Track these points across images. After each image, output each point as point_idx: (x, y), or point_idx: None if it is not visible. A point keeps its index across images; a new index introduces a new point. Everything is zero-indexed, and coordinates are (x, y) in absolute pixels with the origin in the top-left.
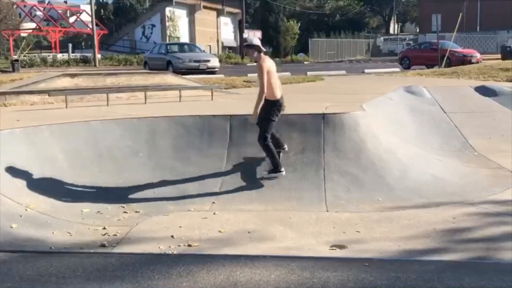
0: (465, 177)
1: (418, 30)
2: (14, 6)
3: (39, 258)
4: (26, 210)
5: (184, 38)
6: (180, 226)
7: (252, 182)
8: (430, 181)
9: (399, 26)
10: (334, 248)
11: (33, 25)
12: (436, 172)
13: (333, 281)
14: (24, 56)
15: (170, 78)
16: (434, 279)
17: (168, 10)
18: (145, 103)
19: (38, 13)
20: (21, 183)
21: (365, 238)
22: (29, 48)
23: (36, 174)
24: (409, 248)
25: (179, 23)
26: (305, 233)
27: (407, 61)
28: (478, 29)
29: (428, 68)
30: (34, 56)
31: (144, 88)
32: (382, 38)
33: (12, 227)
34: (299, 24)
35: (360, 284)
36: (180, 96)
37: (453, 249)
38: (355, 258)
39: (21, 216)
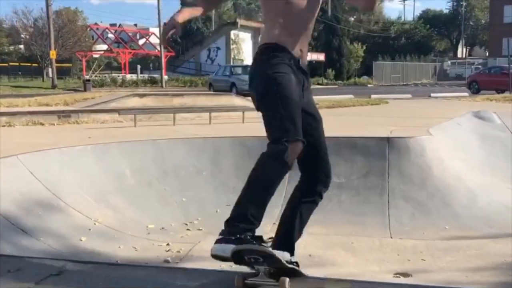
0: None
1: (487, 54)
2: (88, 29)
3: (110, 270)
4: (95, 224)
5: (248, 61)
6: None
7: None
8: (501, 210)
9: (467, 49)
10: (398, 276)
11: (104, 47)
12: (507, 202)
13: None
14: (96, 76)
15: (234, 100)
16: None
17: (233, 33)
18: (210, 123)
19: (110, 35)
20: (91, 198)
21: (431, 267)
22: (100, 68)
23: (105, 190)
24: (477, 279)
25: (243, 45)
26: (367, 260)
27: (476, 85)
28: None
29: (498, 93)
30: (105, 76)
31: (209, 109)
32: (449, 61)
33: (81, 240)
34: (363, 48)
35: None
36: (243, 117)
37: None
38: (423, 285)
39: (89, 229)
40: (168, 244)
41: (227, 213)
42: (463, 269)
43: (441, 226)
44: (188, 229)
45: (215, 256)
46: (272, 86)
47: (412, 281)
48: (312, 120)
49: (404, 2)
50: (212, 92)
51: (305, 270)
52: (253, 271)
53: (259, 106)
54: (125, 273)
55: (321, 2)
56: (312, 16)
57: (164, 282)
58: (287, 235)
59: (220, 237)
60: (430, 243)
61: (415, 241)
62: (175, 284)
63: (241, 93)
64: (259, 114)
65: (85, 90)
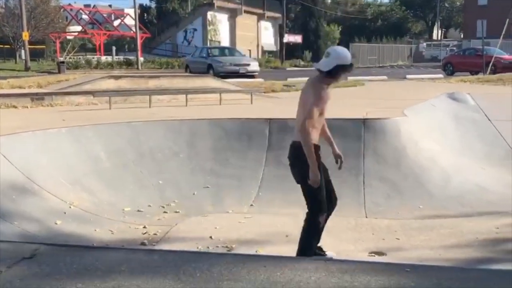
0: (509, 187)
1: (462, 36)
2: (61, 10)
3: (84, 252)
4: (70, 207)
5: (225, 42)
6: (218, 228)
7: (289, 185)
8: (473, 190)
9: (443, 31)
10: (373, 254)
11: (79, 28)
12: (480, 181)
13: (374, 285)
14: (70, 58)
15: (210, 82)
16: None
17: (209, 14)
18: (186, 105)
19: (84, 16)
20: (66, 181)
21: (405, 246)
22: (74, 50)
23: (80, 173)
24: (450, 257)
25: (220, 27)
26: (343, 239)
27: (451, 67)
28: None
29: (472, 74)
30: (79, 58)
31: (185, 91)
32: (425, 43)
33: (56, 224)
34: (339, 29)
35: None
36: (220, 100)
37: (496, 259)
38: (396, 263)
39: (65, 213)
40: (144, 227)
41: (204, 195)
42: (437, 247)
43: (415, 206)
44: (165, 212)
45: None
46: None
47: (386, 260)
48: (327, 176)
49: None
50: (188, 74)
51: (282, 249)
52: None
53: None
54: (99, 255)
55: None
56: None
57: (139, 263)
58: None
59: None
60: (404, 223)
61: (390, 221)
62: (150, 266)
63: (218, 75)
64: (237, 96)
65: (59, 72)
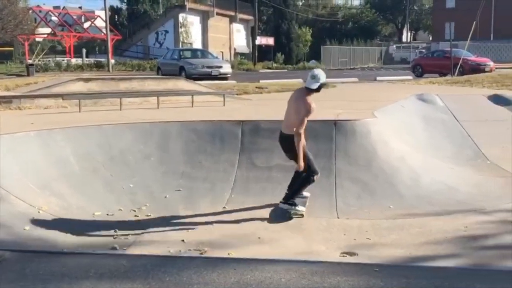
0: (477, 186)
1: (431, 38)
2: (30, 11)
3: (52, 258)
4: (39, 212)
5: (197, 44)
6: (191, 231)
7: (263, 187)
8: (442, 189)
9: (412, 34)
10: (344, 255)
11: (48, 30)
12: (448, 181)
13: (343, 286)
14: (39, 60)
15: (182, 84)
16: (445, 286)
17: (181, 16)
18: (158, 108)
19: (53, 18)
20: (34, 186)
21: (376, 245)
22: (43, 53)
23: (49, 177)
24: (420, 255)
25: (192, 29)
26: (315, 240)
27: (420, 69)
28: (491, 38)
29: (440, 76)
30: (49, 60)
31: (157, 93)
32: (394, 46)
33: (25, 229)
34: (311, 31)
35: None
36: (192, 102)
37: (465, 257)
38: (365, 263)
39: (33, 218)
40: (115, 231)
41: (176, 198)
42: (407, 246)
43: (385, 206)
44: (136, 216)
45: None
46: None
47: (357, 259)
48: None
49: None
50: (160, 76)
51: (254, 251)
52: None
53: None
54: (67, 261)
55: None
56: None
57: (107, 268)
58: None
59: (282, 202)
60: (375, 222)
61: (361, 221)
62: (119, 271)
63: (190, 77)
64: (209, 98)
65: (28, 75)
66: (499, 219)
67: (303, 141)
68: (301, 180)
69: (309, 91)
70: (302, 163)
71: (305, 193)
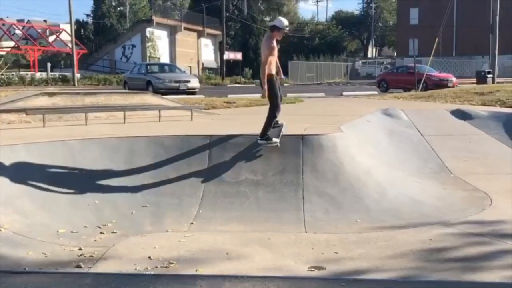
0: (442, 199)
1: (395, 54)
2: None
3: (14, 278)
4: (1, 230)
5: (165, 59)
6: (158, 247)
7: (231, 202)
8: (408, 202)
9: (377, 49)
10: (312, 269)
11: (11, 43)
12: (414, 194)
13: None
14: (2, 74)
15: (149, 98)
16: None
17: (148, 31)
18: (124, 123)
19: (17, 31)
20: None
21: (343, 259)
22: (7, 66)
23: (11, 194)
24: (387, 268)
25: (159, 43)
26: (283, 254)
27: (385, 84)
28: (454, 54)
29: (405, 91)
30: (12, 74)
31: (123, 108)
32: (360, 61)
33: None
34: (278, 47)
35: None
36: (159, 116)
37: (430, 270)
38: (332, 278)
39: None
40: (80, 249)
41: (142, 214)
42: (374, 259)
43: (352, 220)
44: (101, 232)
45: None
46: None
47: (325, 274)
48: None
49: (317, 3)
50: (127, 91)
51: (223, 267)
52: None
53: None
54: (29, 280)
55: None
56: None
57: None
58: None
59: (259, 138)
60: (342, 236)
61: (329, 235)
62: None
63: (158, 92)
64: (176, 112)
65: None
66: (463, 232)
67: (270, 73)
68: (267, 117)
69: (271, 30)
70: (266, 91)
71: (281, 121)
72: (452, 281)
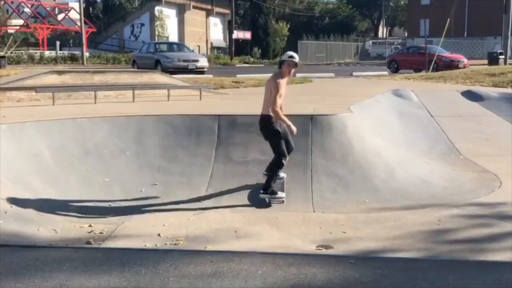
0: (451, 180)
1: (406, 35)
2: (2, 2)
3: (25, 252)
4: (11, 206)
5: (173, 38)
6: (167, 225)
7: (239, 182)
8: (416, 183)
9: (388, 30)
10: (320, 248)
11: (20, 21)
12: (423, 175)
13: (319, 277)
14: (11, 53)
15: (158, 77)
16: (419, 277)
17: (157, 10)
18: (133, 101)
19: (26, 9)
20: (7, 179)
21: (351, 239)
22: (16, 45)
23: (22, 171)
24: (395, 248)
25: (168, 22)
26: (291, 233)
27: (395, 64)
28: (465, 35)
29: (415, 72)
30: (21, 53)
31: (132, 87)
32: (370, 41)
33: None
34: (288, 26)
35: (346, 281)
36: (168, 96)
37: (438, 250)
38: (341, 255)
39: (6, 212)
40: (90, 225)
41: (152, 193)
42: (382, 239)
43: (361, 200)
44: (111, 210)
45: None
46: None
47: (333, 252)
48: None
49: None
50: (136, 70)
51: (231, 245)
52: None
53: (271, 142)
54: (40, 254)
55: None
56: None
57: (82, 262)
58: None
59: (262, 192)
60: (350, 216)
61: (337, 215)
62: (94, 264)
63: (166, 71)
64: (185, 92)
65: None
66: (471, 213)
67: (280, 115)
68: (271, 167)
69: (279, 67)
70: (292, 126)
71: (281, 173)
72: (460, 260)
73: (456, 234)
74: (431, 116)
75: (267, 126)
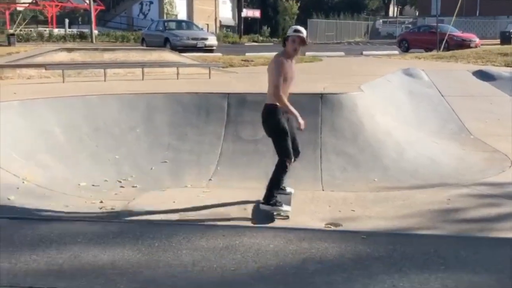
0: (461, 160)
1: (417, 14)
2: None
3: (39, 225)
4: (23, 182)
5: (182, 16)
6: (177, 202)
7: (249, 160)
8: (426, 163)
9: (398, 9)
10: (329, 226)
11: None
12: (432, 155)
13: (331, 252)
14: (20, 30)
15: (167, 55)
16: (430, 252)
17: None
18: (143, 79)
19: None
20: (18, 156)
21: (360, 217)
22: (25, 22)
23: (33, 147)
24: (404, 226)
25: (177, 0)
26: (300, 211)
27: (406, 44)
28: (477, 14)
29: (426, 51)
30: (30, 30)
31: (142, 65)
32: (381, 20)
33: (9, 199)
34: (298, 4)
35: (358, 255)
36: (177, 74)
37: (447, 228)
38: (352, 231)
39: (18, 188)
40: (101, 202)
41: (162, 170)
42: (391, 217)
43: (370, 179)
44: (122, 187)
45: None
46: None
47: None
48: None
49: None
50: (145, 47)
51: (240, 223)
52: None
53: (273, 136)
54: (54, 227)
55: None
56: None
57: (96, 234)
58: None
59: (263, 202)
60: (360, 195)
61: (346, 193)
62: (108, 236)
63: (175, 49)
64: (194, 70)
65: (9, 44)
66: (481, 193)
67: (284, 101)
68: (275, 172)
69: (283, 45)
70: (299, 118)
71: (289, 188)
72: (472, 237)
73: (466, 213)
74: (442, 95)
75: (271, 118)
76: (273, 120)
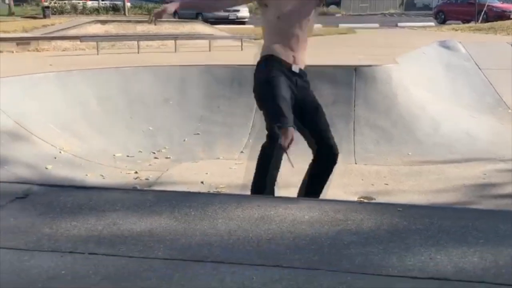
0: (497, 134)
1: None
2: None
3: (78, 193)
4: (60, 152)
5: None
6: (209, 173)
7: None
8: (462, 137)
9: None
10: (362, 199)
11: None
12: (468, 129)
13: (366, 223)
14: (55, 3)
15: (200, 27)
16: (469, 225)
17: None
18: (175, 51)
19: None
20: (55, 126)
21: (394, 191)
22: None
23: (69, 118)
24: (438, 201)
25: None
26: (332, 184)
27: (442, 15)
28: None
29: (464, 23)
30: (64, 3)
31: (174, 37)
32: None
33: (47, 168)
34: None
35: (395, 227)
36: (210, 46)
37: (483, 203)
38: (388, 203)
39: (55, 158)
40: (136, 172)
41: (194, 142)
42: (425, 192)
43: (404, 153)
44: (156, 158)
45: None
46: (266, 87)
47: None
48: (307, 111)
49: None
50: (177, 19)
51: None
52: None
53: (258, 105)
54: (93, 195)
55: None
56: (305, 23)
57: (133, 203)
58: None
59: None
60: (393, 169)
61: (379, 167)
62: (145, 205)
63: (207, 21)
64: (226, 42)
65: (44, 17)
66: None
67: (269, 51)
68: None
69: None
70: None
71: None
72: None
73: (502, 188)
74: (479, 68)
75: (255, 73)
76: (258, 75)
